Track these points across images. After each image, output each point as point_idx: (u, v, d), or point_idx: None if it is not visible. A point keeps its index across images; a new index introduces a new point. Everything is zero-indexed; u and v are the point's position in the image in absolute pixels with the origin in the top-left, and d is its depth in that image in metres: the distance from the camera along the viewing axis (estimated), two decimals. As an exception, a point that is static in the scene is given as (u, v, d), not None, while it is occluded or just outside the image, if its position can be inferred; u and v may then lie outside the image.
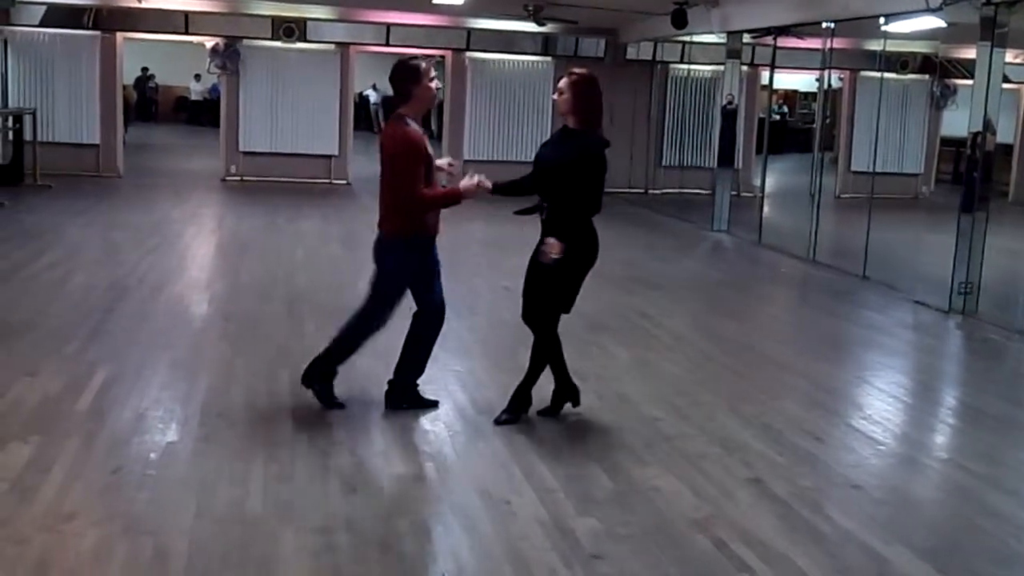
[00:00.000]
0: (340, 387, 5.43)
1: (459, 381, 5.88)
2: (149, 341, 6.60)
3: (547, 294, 5.18)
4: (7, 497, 4.04)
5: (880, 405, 6.07)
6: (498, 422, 5.22)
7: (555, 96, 5.19)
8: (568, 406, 5.41)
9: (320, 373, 5.32)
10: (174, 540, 3.74)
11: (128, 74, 22.24)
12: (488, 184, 5.18)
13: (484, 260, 9.64)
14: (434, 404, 5.41)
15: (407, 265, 5.18)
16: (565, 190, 5.07)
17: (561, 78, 5.23)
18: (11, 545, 3.64)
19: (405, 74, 5.12)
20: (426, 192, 5.06)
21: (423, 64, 5.16)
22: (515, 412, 5.27)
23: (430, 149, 5.14)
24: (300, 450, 4.73)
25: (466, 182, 5.13)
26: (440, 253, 5.33)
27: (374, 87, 28.57)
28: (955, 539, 4.23)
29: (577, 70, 5.28)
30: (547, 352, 5.26)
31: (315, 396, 5.31)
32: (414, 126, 5.09)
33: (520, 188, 5.36)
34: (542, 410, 5.39)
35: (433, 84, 5.15)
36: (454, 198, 5.13)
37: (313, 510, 4.08)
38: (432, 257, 5.27)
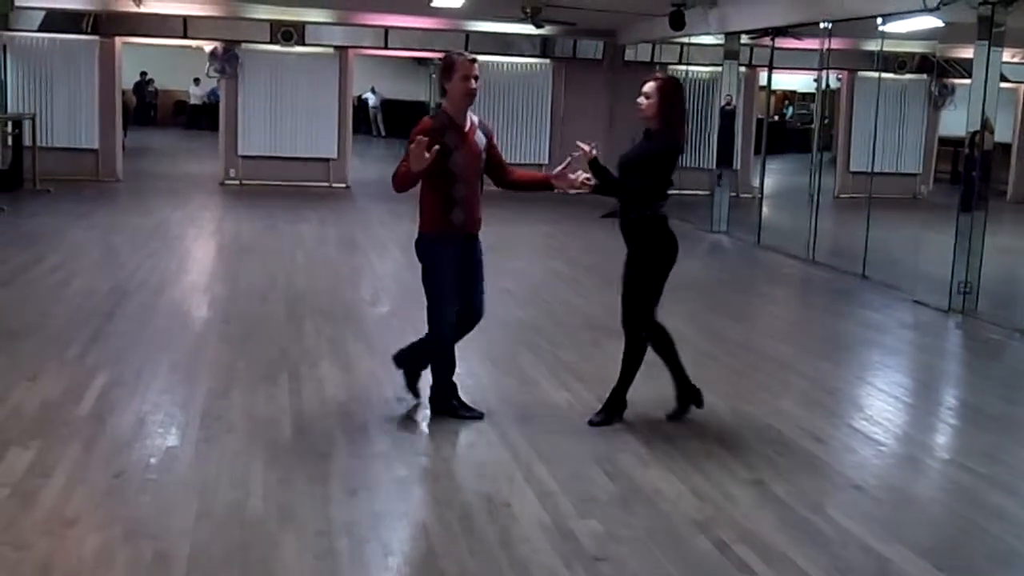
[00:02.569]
0: (340, 391, 5.41)
1: (458, 383, 5.87)
2: (149, 345, 6.61)
3: (630, 295, 5.20)
4: (9, 502, 4.04)
5: (881, 405, 6.07)
6: (591, 423, 5.24)
7: (640, 100, 5.14)
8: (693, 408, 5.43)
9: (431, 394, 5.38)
10: (175, 544, 3.74)
11: (127, 78, 22.24)
12: (585, 181, 5.09)
13: (487, 262, 9.58)
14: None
15: (443, 261, 5.15)
16: (631, 184, 5.11)
17: (646, 82, 5.18)
18: (13, 550, 3.64)
19: (442, 68, 5.10)
20: (400, 169, 4.93)
21: (457, 59, 5.07)
22: (609, 414, 5.28)
23: (448, 141, 4.98)
24: (300, 453, 4.73)
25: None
26: None
27: (372, 90, 28.58)
28: (956, 539, 4.23)
29: (660, 75, 5.30)
30: (637, 354, 5.26)
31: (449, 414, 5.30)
32: (438, 118, 5.05)
33: (613, 189, 5.27)
34: (670, 414, 5.40)
35: (466, 83, 5.02)
36: (405, 172, 4.88)
37: (314, 513, 4.08)
38: (470, 257, 5.24)
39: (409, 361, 5.47)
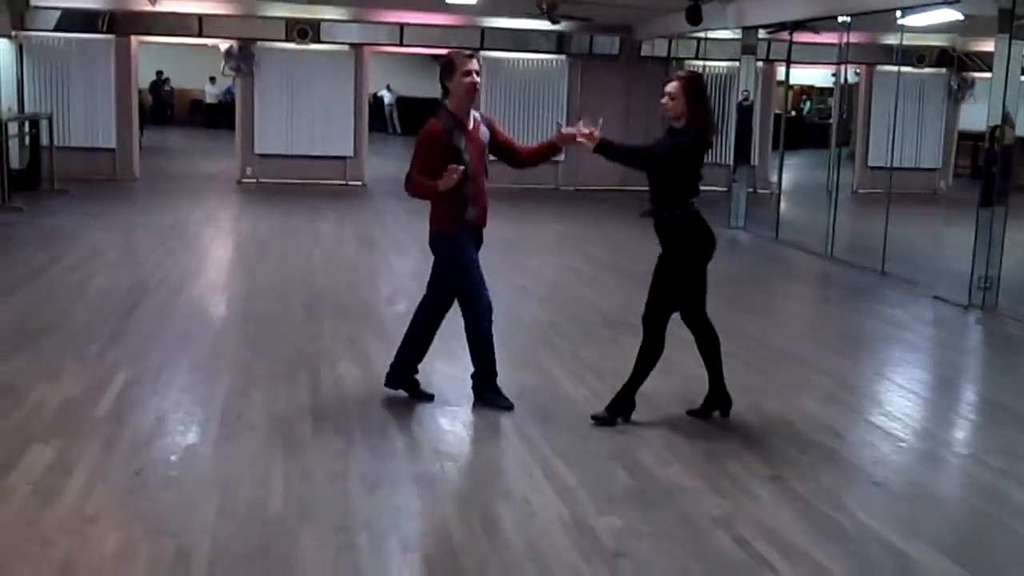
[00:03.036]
0: (359, 388, 5.42)
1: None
2: (169, 343, 6.64)
3: (657, 292, 5.19)
4: (31, 499, 4.07)
5: (900, 401, 6.04)
6: (594, 418, 5.24)
7: (665, 101, 5.10)
8: (716, 413, 5.41)
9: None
10: (196, 541, 3.76)
11: (143, 78, 22.34)
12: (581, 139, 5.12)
13: (503, 260, 9.60)
14: (429, 397, 5.49)
15: (463, 252, 5.24)
16: (658, 181, 5.13)
17: (668, 82, 5.14)
18: (35, 547, 3.67)
19: (441, 69, 5.18)
20: (416, 177, 5.12)
21: (455, 57, 5.14)
22: (613, 413, 5.25)
23: (457, 142, 5.10)
24: (320, 450, 4.74)
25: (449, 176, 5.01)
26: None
27: (388, 87, 28.63)
28: (976, 535, 4.22)
29: (682, 72, 5.25)
30: (652, 353, 5.23)
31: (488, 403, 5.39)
32: (444, 119, 5.11)
33: (621, 156, 5.28)
34: (691, 410, 5.41)
35: (468, 79, 5.08)
36: (430, 190, 5.09)
37: (333, 509, 4.09)
38: (476, 252, 5.32)
39: (400, 377, 5.51)
